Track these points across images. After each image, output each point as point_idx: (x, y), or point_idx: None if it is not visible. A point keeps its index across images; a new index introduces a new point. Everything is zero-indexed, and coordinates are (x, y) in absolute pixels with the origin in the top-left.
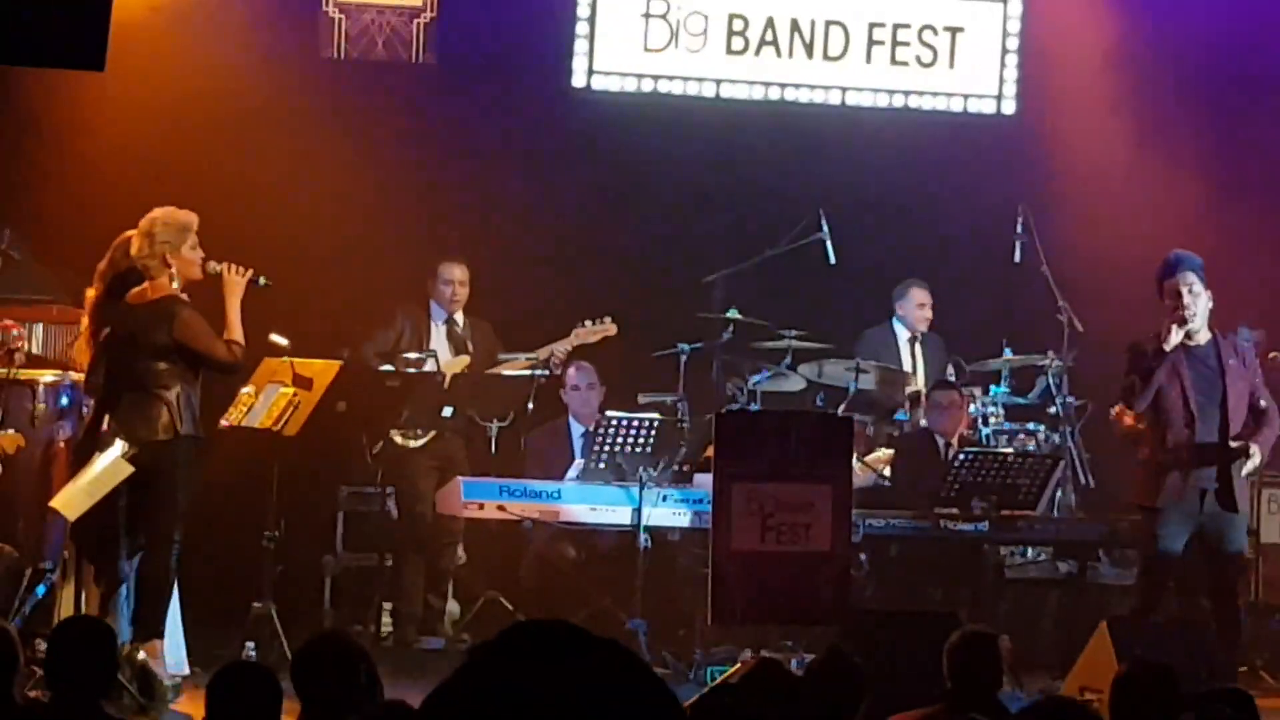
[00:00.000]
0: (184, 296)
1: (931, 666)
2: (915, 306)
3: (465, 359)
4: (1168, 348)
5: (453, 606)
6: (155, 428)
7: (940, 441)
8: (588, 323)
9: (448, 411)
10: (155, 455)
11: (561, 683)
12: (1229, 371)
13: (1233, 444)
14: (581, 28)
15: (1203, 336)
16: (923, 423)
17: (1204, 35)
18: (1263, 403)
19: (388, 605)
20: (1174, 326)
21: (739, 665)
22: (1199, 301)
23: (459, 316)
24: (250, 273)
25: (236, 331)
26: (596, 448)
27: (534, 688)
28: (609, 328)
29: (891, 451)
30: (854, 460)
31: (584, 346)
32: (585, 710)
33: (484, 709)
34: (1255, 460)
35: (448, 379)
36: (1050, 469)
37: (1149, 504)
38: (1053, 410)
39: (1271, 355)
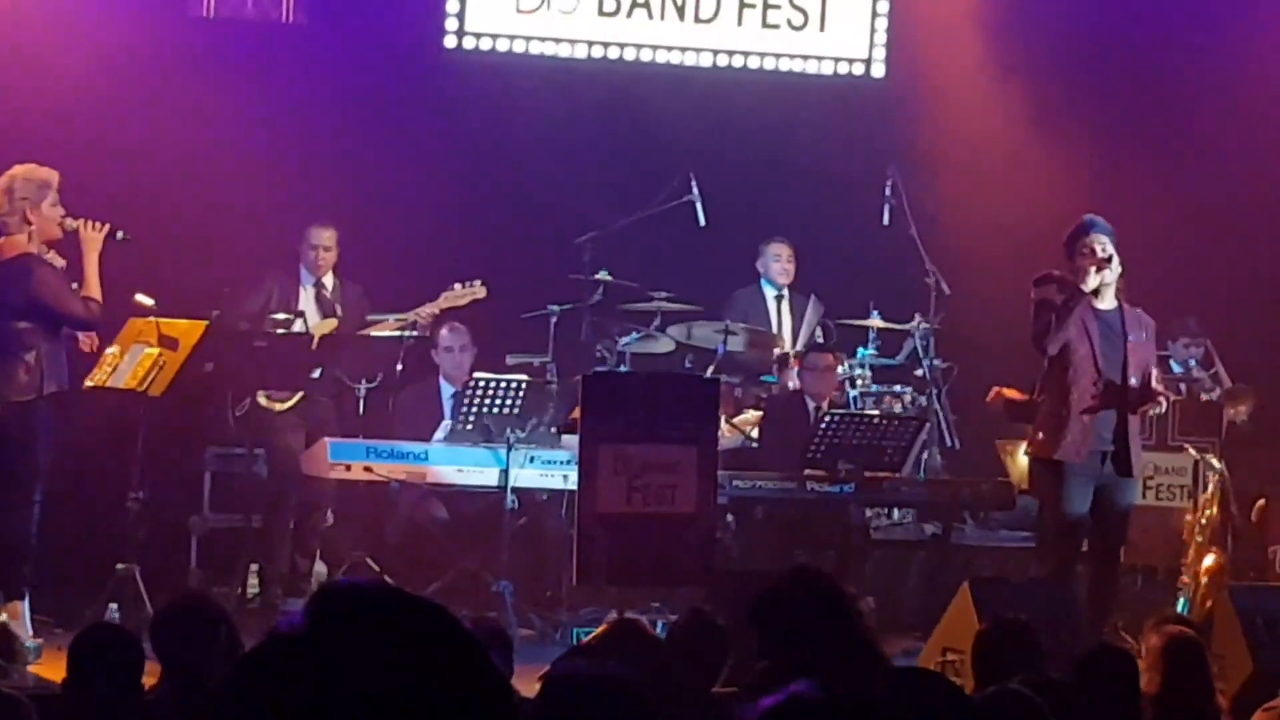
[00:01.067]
0: (43, 254)
1: (796, 629)
2: (773, 260)
3: (333, 321)
4: (1086, 289)
5: (320, 568)
6: (13, 386)
7: (810, 404)
8: (457, 285)
9: (316, 373)
10: (14, 415)
11: (374, 650)
12: (1132, 341)
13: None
14: None
15: (1110, 302)
16: (792, 385)
17: None
18: (1153, 382)
19: (254, 566)
20: (1092, 269)
21: (603, 626)
22: (1111, 261)
23: (328, 279)
24: (107, 228)
25: (94, 289)
26: (464, 409)
27: (343, 657)
28: (478, 290)
29: (759, 414)
30: (721, 422)
31: (453, 308)
32: (394, 680)
33: (288, 682)
34: (1162, 405)
35: (315, 340)
36: (916, 431)
37: (1048, 455)
38: (919, 373)
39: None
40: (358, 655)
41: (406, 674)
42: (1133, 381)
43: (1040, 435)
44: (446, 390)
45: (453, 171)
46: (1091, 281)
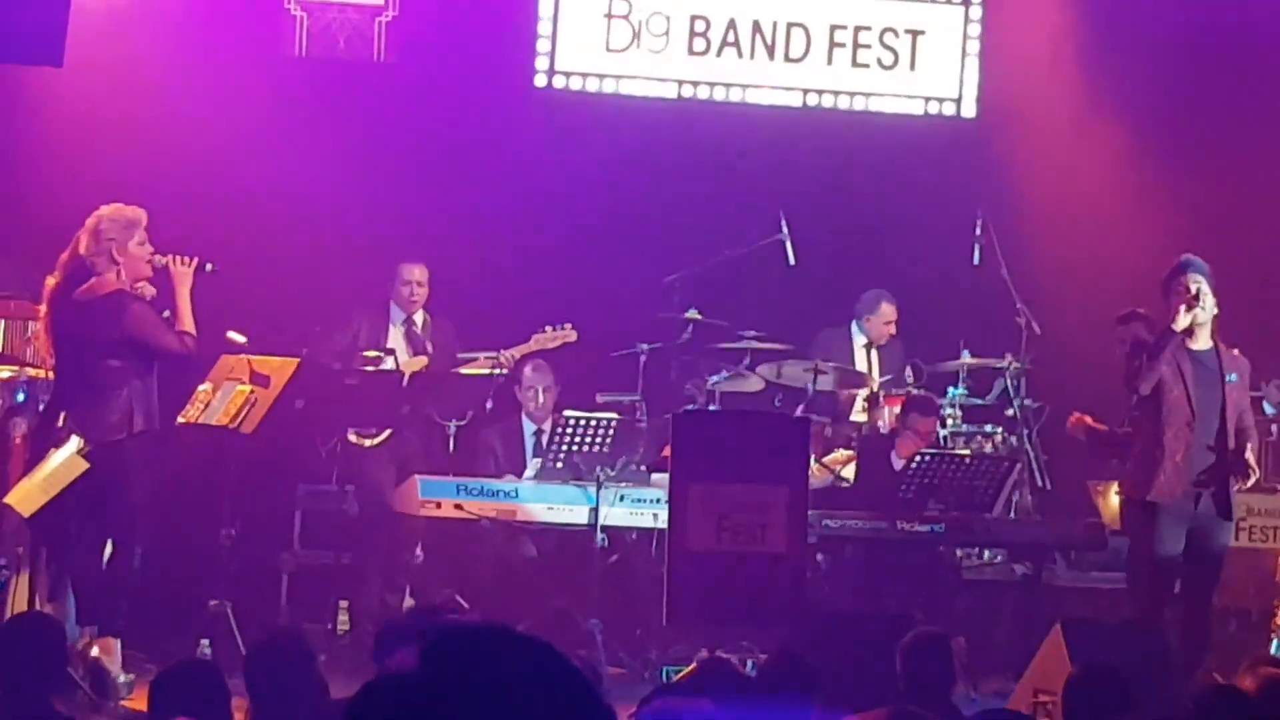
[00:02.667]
0: (139, 290)
1: (886, 668)
2: (882, 322)
3: (424, 359)
4: (1177, 328)
5: (410, 604)
6: (108, 425)
7: (896, 443)
8: (548, 328)
9: (405, 410)
10: (109, 453)
11: (488, 690)
12: (1229, 382)
13: (1232, 454)
14: (544, 27)
15: (1205, 343)
16: (882, 425)
17: (1167, 35)
18: (1246, 421)
19: (344, 603)
20: (1183, 308)
21: (693, 665)
22: (1207, 300)
23: (418, 316)
24: (195, 261)
25: (188, 322)
26: (554, 447)
27: (458, 698)
28: (569, 334)
29: (849, 452)
30: (811, 461)
31: (544, 350)
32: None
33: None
34: (1255, 476)
35: (406, 377)
36: (1007, 471)
37: (1141, 497)
38: (1010, 412)
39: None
40: (472, 696)
41: (521, 713)
42: (1230, 425)
43: (1133, 476)
44: (529, 428)
45: (542, 209)
46: (1183, 321)
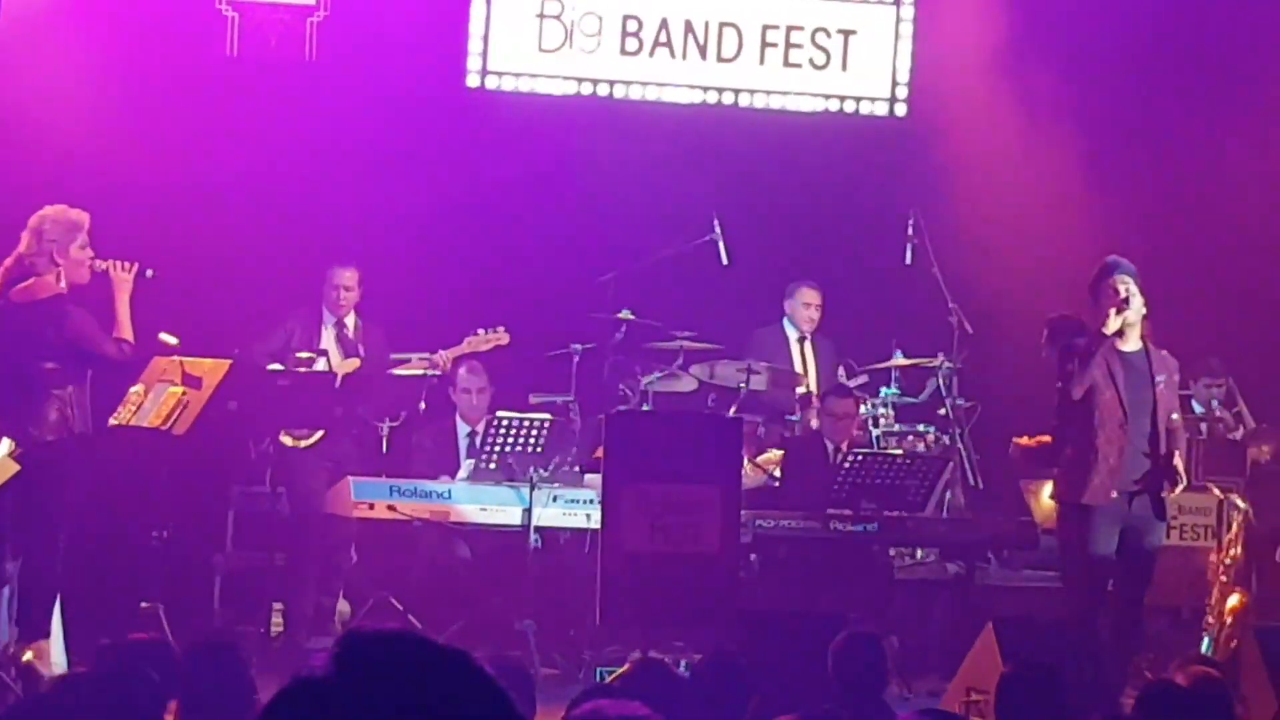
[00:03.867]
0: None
1: (819, 668)
2: (802, 306)
3: (356, 361)
4: (1107, 331)
5: (344, 606)
6: (44, 427)
7: (829, 445)
8: (481, 331)
9: (339, 412)
10: (43, 454)
11: (399, 697)
12: (1159, 383)
13: (1162, 459)
14: (476, 27)
15: (1135, 344)
16: (815, 424)
17: (1099, 35)
18: (1176, 421)
19: (278, 605)
20: (1113, 311)
21: (626, 666)
22: (1135, 300)
23: (349, 319)
24: (135, 267)
25: (127, 330)
26: (488, 448)
27: (368, 704)
28: (501, 336)
29: (782, 452)
30: (745, 461)
31: (476, 353)
32: None
33: None
34: (1181, 485)
35: (339, 379)
36: (939, 470)
37: (1074, 499)
38: (942, 412)
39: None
40: (383, 702)
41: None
42: (1161, 425)
43: (1066, 478)
44: (462, 429)
45: (475, 210)
46: (1113, 324)
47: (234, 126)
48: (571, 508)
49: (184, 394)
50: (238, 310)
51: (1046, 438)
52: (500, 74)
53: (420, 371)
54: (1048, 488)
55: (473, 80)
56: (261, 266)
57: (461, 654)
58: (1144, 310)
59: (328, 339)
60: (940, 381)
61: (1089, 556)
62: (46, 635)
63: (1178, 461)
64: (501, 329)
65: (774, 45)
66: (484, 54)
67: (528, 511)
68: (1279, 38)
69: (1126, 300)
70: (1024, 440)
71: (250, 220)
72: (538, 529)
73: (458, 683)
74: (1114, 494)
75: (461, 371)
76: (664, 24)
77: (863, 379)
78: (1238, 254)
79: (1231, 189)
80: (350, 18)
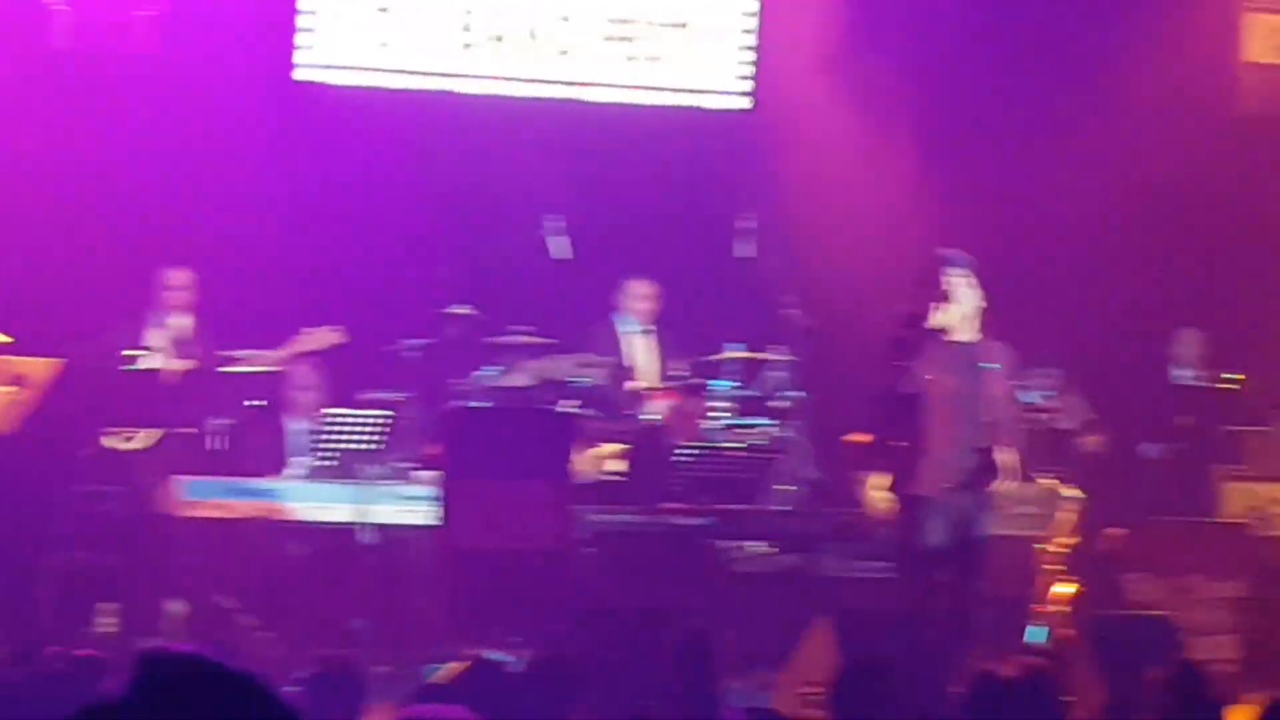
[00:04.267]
0: None
1: (652, 662)
2: (632, 299)
3: (189, 361)
4: (933, 325)
5: (178, 606)
6: None
7: (665, 437)
8: (315, 329)
9: (171, 411)
10: None
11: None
12: (990, 374)
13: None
14: (309, 21)
15: (967, 335)
16: (652, 418)
17: (938, 29)
18: (1010, 411)
19: (109, 606)
20: (936, 306)
21: (455, 665)
22: (965, 293)
23: (181, 318)
24: None
25: None
26: (321, 445)
27: None
28: (335, 335)
29: (619, 447)
30: (581, 456)
31: (310, 351)
32: None
33: None
34: (1004, 481)
35: (170, 378)
36: (774, 463)
37: (907, 491)
38: (779, 404)
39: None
40: None
41: None
42: (989, 417)
43: (899, 470)
44: (296, 427)
45: (308, 205)
46: (937, 319)
47: (65, 120)
48: (406, 504)
49: (13, 393)
50: (69, 309)
51: (872, 436)
52: (332, 67)
53: (252, 369)
54: (882, 480)
55: (302, 74)
56: (91, 264)
57: (252, 680)
58: (979, 302)
59: (159, 338)
60: (776, 374)
61: (921, 548)
62: None
63: (1006, 455)
64: (335, 328)
65: (613, 38)
66: (316, 46)
67: (361, 509)
68: (1113, 30)
69: (951, 295)
70: (855, 437)
71: (80, 217)
72: (372, 526)
73: (251, 708)
74: (944, 486)
75: (294, 369)
76: (501, 17)
77: (684, 362)
78: (1071, 245)
79: (1067, 181)
80: (181, 10)
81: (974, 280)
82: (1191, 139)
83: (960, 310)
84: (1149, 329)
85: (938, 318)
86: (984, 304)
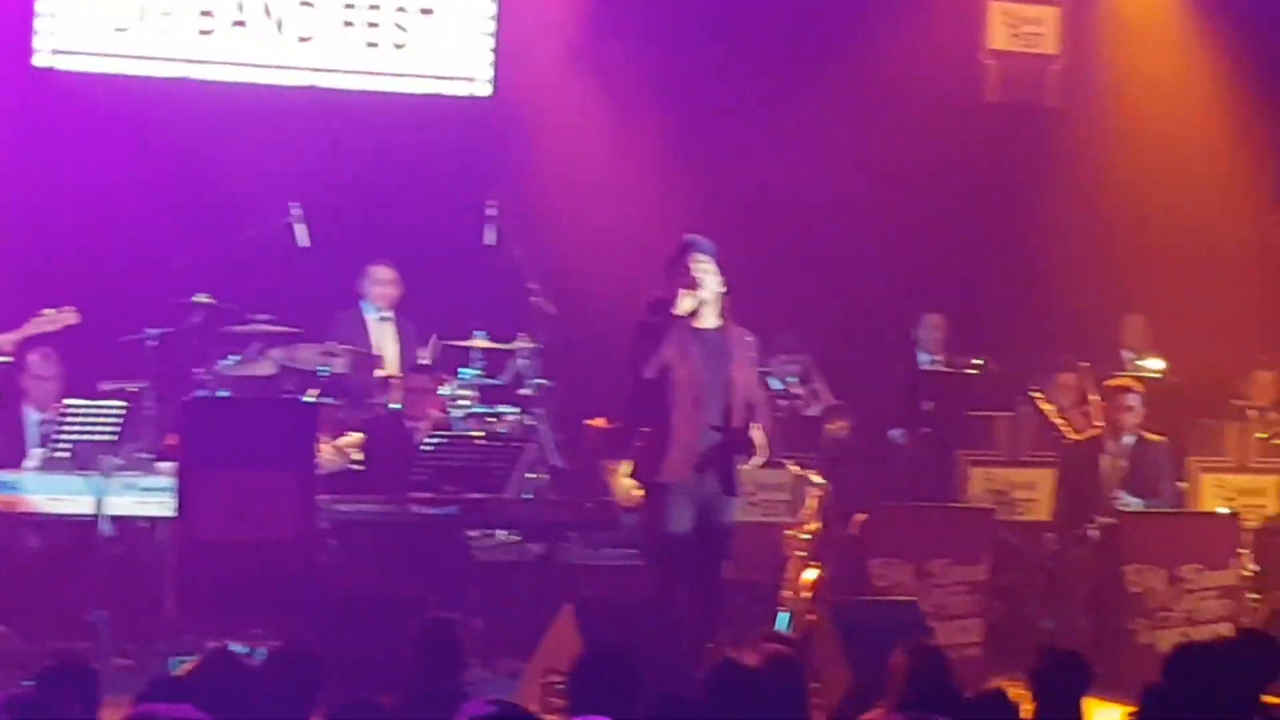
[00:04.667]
0: None
1: (397, 653)
2: (373, 284)
3: None
4: (678, 312)
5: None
6: None
7: (409, 425)
8: (47, 311)
9: None
10: None
11: None
12: (736, 360)
13: (737, 432)
14: (45, 5)
15: (712, 321)
16: (394, 406)
17: (682, 14)
18: (758, 395)
19: None
20: (683, 291)
21: (196, 658)
22: (710, 279)
23: None
24: None
25: None
26: (58, 436)
27: None
28: (70, 316)
29: (363, 436)
30: (324, 445)
31: (44, 334)
32: None
33: None
34: (759, 458)
35: None
36: (520, 451)
37: (651, 478)
38: (524, 392)
39: None
40: None
41: None
42: (735, 404)
43: (642, 457)
44: (32, 417)
45: (45, 191)
46: (683, 305)
47: None
48: (146, 495)
49: None
50: None
51: (616, 423)
52: (71, 53)
53: None
54: (627, 467)
55: (41, 60)
56: None
57: None
58: (722, 288)
59: None
60: (522, 362)
61: (665, 534)
62: None
63: (756, 433)
64: (70, 309)
65: (353, 25)
66: (54, 32)
67: (101, 500)
68: (859, 18)
69: (698, 280)
70: (596, 422)
71: None
72: (112, 518)
73: None
74: (688, 472)
75: (32, 357)
76: (240, 3)
77: (428, 349)
78: (817, 232)
79: (812, 168)
80: None
81: (717, 266)
82: (936, 126)
83: (705, 296)
84: (894, 315)
85: (683, 304)
86: (726, 290)
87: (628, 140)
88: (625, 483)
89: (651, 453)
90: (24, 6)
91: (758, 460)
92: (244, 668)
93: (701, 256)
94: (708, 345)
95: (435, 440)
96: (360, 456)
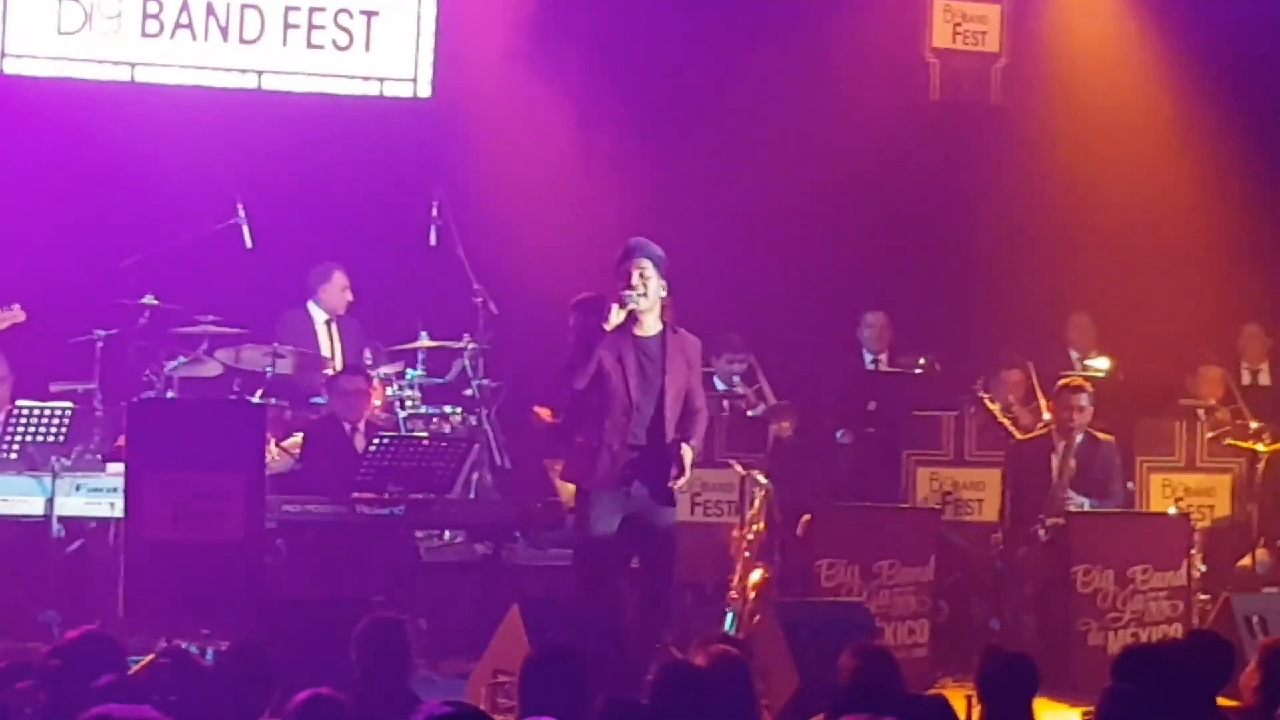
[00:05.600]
0: None
1: (344, 654)
2: (339, 290)
3: None
4: (607, 327)
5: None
6: None
7: (347, 426)
8: None
9: None
10: None
11: None
12: (670, 368)
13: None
14: None
15: (652, 328)
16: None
17: (622, 12)
18: (697, 403)
19: None
20: (615, 306)
21: (149, 656)
22: (649, 285)
23: None
24: None
25: None
26: (8, 438)
27: None
28: (17, 314)
29: (303, 436)
30: (271, 446)
31: None
32: None
33: None
34: (685, 478)
35: None
36: (465, 451)
37: (579, 484)
38: (469, 392)
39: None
40: None
41: None
42: (669, 413)
43: (572, 460)
44: None
45: None
46: (614, 319)
47: None
48: (95, 496)
49: None
50: None
51: (558, 418)
52: (18, 56)
53: None
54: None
55: None
56: None
57: None
58: (663, 292)
59: None
60: (466, 363)
61: (588, 538)
62: None
63: (686, 450)
64: (16, 306)
65: (296, 26)
66: (1, 36)
67: (50, 501)
68: (804, 16)
69: (633, 287)
70: (543, 411)
71: None
72: (60, 519)
73: None
74: (615, 482)
75: None
76: (185, 5)
77: (397, 365)
78: (760, 230)
79: (756, 167)
80: None
81: (660, 270)
82: (880, 124)
83: (643, 304)
84: (839, 314)
85: (612, 317)
86: (666, 294)
87: (569, 140)
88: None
89: (582, 457)
90: None
91: (682, 482)
92: (198, 666)
93: (644, 262)
94: (643, 353)
95: (381, 441)
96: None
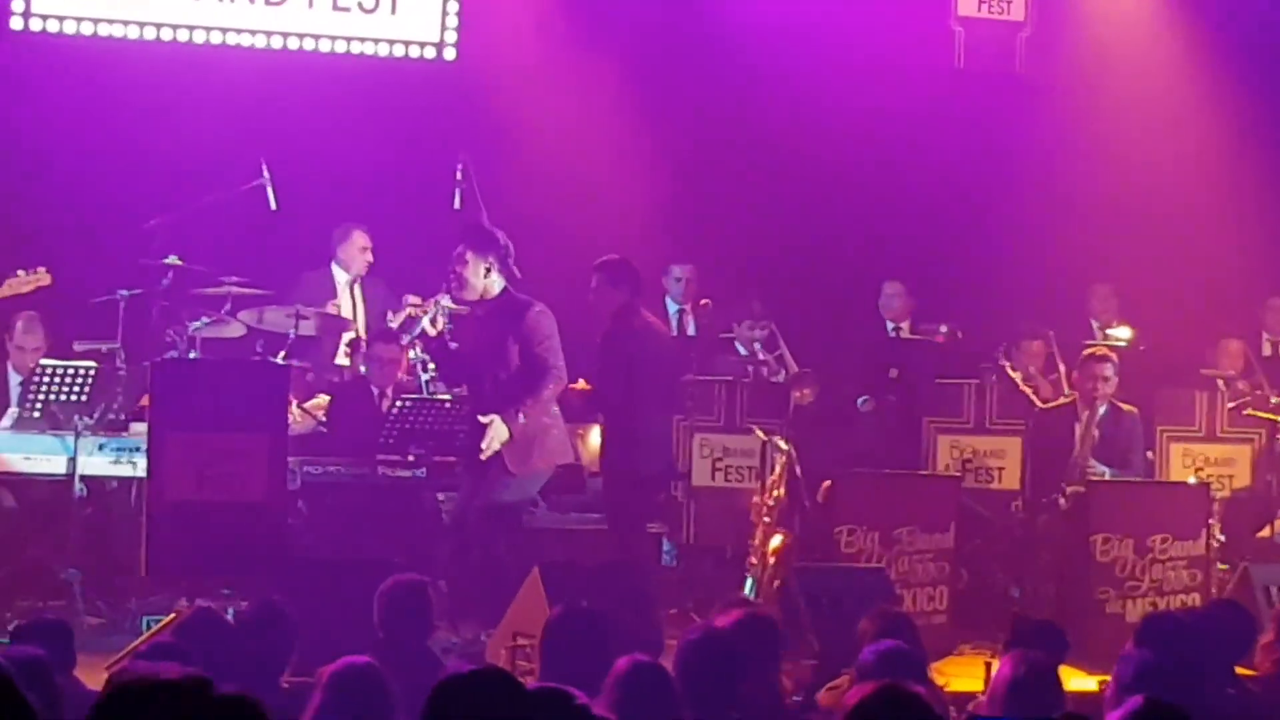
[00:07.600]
0: None
1: (366, 614)
2: (358, 250)
3: None
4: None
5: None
6: None
7: (375, 391)
8: (20, 272)
9: None
10: None
11: None
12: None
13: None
14: None
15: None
16: (364, 369)
17: None
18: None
19: None
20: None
21: (174, 614)
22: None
23: None
24: None
25: None
26: (31, 396)
27: None
28: (43, 277)
29: (330, 398)
30: (293, 407)
31: (18, 295)
32: None
33: None
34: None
35: None
36: None
37: (624, 468)
38: None
39: (704, 302)
40: None
41: None
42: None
43: (614, 445)
44: (14, 378)
45: (19, 154)
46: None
47: None
48: (118, 455)
49: None
50: None
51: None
52: (45, 16)
53: None
54: (595, 431)
55: (16, 23)
56: None
57: None
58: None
59: None
60: None
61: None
62: None
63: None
64: (42, 269)
65: None
66: None
67: (73, 460)
68: None
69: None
70: (577, 385)
71: None
72: (83, 478)
73: None
74: (649, 460)
75: (19, 324)
76: None
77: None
78: (782, 197)
79: (777, 133)
80: None
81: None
82: (905, 93)
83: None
84: (861, 282)
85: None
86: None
87: (593, 105)
88: (594, 447)
89: (623, 441)
90: None
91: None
92: (225, 625)
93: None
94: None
95: (403, 403)
96: (327, 418)
